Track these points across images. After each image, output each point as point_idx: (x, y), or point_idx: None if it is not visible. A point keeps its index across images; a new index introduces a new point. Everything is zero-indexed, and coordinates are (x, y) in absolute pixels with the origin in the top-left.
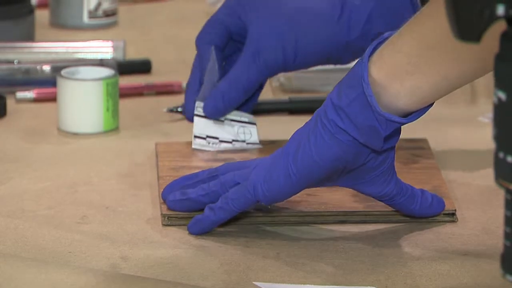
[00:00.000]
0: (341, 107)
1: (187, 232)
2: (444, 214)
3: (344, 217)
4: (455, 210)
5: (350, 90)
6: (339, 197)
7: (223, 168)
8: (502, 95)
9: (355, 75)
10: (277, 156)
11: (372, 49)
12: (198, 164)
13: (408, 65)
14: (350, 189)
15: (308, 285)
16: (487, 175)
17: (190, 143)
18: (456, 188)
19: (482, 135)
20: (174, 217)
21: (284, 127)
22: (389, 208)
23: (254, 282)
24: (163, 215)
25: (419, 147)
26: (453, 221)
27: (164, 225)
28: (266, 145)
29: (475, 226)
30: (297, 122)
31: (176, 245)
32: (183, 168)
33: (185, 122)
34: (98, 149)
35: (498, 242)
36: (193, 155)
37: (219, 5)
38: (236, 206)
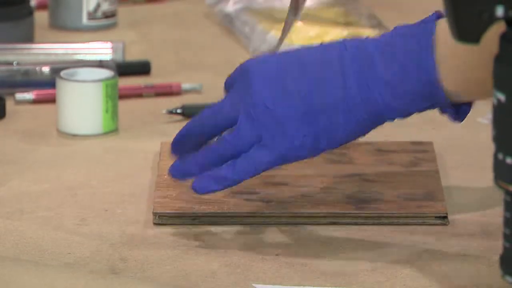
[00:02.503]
0: (406, 112)
1: (185, 233)
2: (435, 217)
3: (337, 219)
4: (447, 213)
5: (419, 101)
6: (332, 199)
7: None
8: (501, 96)
9: (423, 90)
10: (305, 137)
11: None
12: None
13: (481, 82)
14: (346, 190)
15: (307, 286)
16: (486, 176)
17: None
18: (455, 190)
19: (481, 137)
20: (165, 216)
21: None
22: (383, 210)
23: (253, 284)
24: (154, 214)
25: (423, 150)
26: (444, 224)
27: (155, 223)
28: None
29: (474, 228)
30: None
31: (175, 247)
32: None
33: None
34: (97, 150)
35: (497, 243)
36: None
37: (218, 6)
38: (263, 170)
